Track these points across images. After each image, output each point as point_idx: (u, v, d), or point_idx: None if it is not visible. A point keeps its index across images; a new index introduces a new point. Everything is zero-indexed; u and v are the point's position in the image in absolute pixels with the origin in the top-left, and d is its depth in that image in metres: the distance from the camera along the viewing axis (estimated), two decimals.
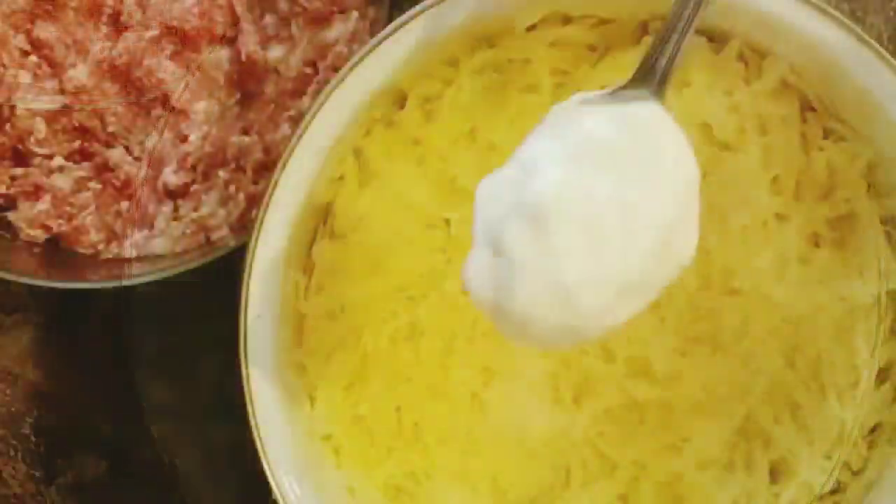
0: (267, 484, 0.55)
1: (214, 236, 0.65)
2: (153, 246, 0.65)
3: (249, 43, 0.65)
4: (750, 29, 0.55)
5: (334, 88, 0.54)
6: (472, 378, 0.58)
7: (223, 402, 0.64)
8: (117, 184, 0.66)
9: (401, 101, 0.58)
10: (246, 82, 0.67)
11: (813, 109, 0.57)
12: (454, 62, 0.57)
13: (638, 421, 0.58)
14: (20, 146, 0.66)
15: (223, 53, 0.67)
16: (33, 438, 0.69)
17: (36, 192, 0.66)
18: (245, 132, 0.66)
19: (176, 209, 0.66)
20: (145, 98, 0.66)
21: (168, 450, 0.68)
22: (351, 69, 0.54)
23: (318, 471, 0.57)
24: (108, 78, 0.66)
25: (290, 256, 0.56)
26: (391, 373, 0.58)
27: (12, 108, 0.66)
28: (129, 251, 0.66)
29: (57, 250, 0.66)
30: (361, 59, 0.54)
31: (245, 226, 0.64)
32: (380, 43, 0.54)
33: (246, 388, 0.54)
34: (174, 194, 0.66)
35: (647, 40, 0.57)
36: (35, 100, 0.66)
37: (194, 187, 0.66)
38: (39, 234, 0.66)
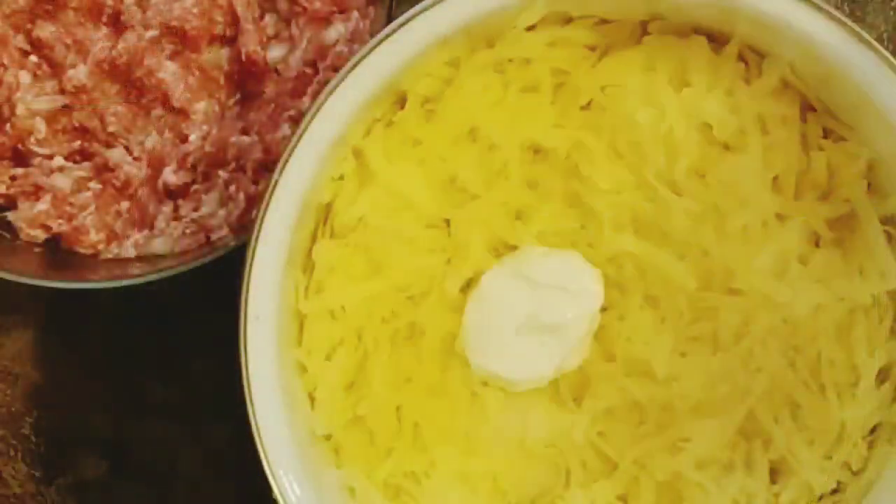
0: (267, 484, 0.55)
1: (214, 236, 0.65)
2: (153, 246, 0.65)
3: (249, 43, 0.65)
4: (750, 29, 0.55)
5: (334, 88, 0.54)
6: (471, 378, 0.58)
7: (223, 402, 0.64)
8: (117, 184, 0.66)
9: (401, 101, 0.58)
10: (246, 82, 0.67)
11: (813, 109, 0.57)
12: (454, 62, 0.57)
13: (638, 421, 0.58)
14: (20, 146, 0.66)
15: (223, 53, 0.67)
16: (33, 438, 0.69)
17: (36, 192, 0.66)
18: (245, 132, 0.66)
19: (176, 209, 0.66)
20: (145, 98, 0.66)
21: (168, 450, 0.68)
22: (351, 69, 0.54)
23: (318, 471, 0.57)
24: (108, 78, 0.66)
25: (290, 256, 0.56)
26: (391, 373, 0.58)
27: (12, 108, 0.66)
28: (128, 251, 0.66)
29: (57, 250, 0.66)
30: (361, 59, 0.54)
31: (245, 226, 0.64)
32: (380, 43, 0.54)
33: (246, 388, 0.54)
34: (174, 194, 0.66)
35: (648, 40, 0.57)
36: (35, 100, 0.66)
37: (194, 187, 0.66)
38: (39, 234, 0.66)
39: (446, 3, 0.54)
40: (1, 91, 0.66)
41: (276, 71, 0.66)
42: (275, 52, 0.66)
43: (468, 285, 0.58)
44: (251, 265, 0.54)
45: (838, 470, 0.57)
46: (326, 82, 0.55)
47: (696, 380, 0.57)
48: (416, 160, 0.58)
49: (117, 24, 0.66)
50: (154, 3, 0.65)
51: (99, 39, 0.66)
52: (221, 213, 0.65)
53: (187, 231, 0.65)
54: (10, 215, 0.66)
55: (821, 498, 0.57)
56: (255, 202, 0.64)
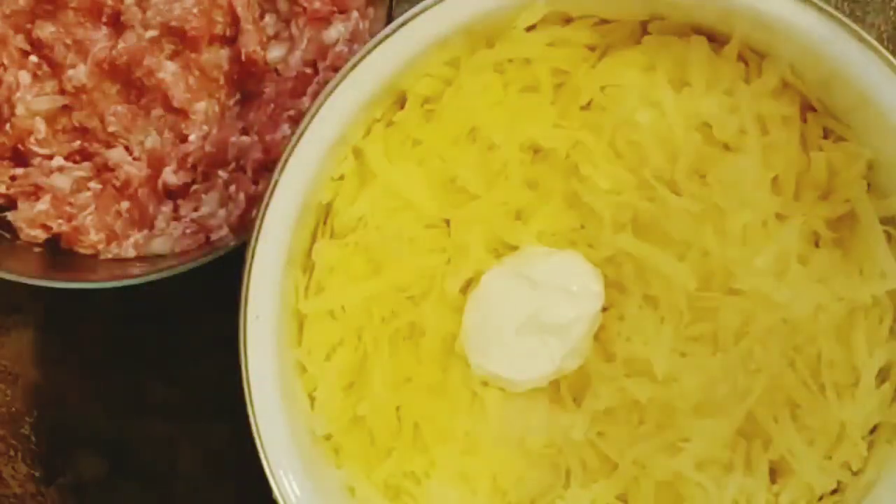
0: (267, 484, 0.55)
1: (214, 236, 0.65)
2: (153, 246, 0.65)
3: (249, 43, 0.65)
4: (750, 29, 0.55)
5: (334, 88, 0.54)
6: (471, 378, 0.58)
7: (223, 402, 0.64)
8: (117, 184, 0.66)
9: (401, 101, 0.58)
10: (246, 82, 0.67)
11: (813, 109, 0.57)
12: (454, 62, 0.57)
13: (638, 421, 0.58)
14: (20, 146, 0.66)
15: (223, 53, 0.67)
16: (33, 438, 0.69)
17: (36, 192, 0.66)
18: (245, 132, 0.66)
19: (176, 209, 0.66)
20: (145, 98, 0.66)
21: (168, 450, 0.68)
22: (351, 69, 0.54)
23: (318, 471, 0.57)
24: (108, 78, 0.66)
25: (290, 256, 0.56)
26: (391, 373, 0.58)
27: (12, 108, 0.66)
28: (128, 251, 0.66)
29: (57, 250, 0.66)
30: (361, 59, 0.54)
31: (245, 226, 0.64)
32: (380, 43, 0.54)
33: (246, 388, 0.54)
34: (174, 194, 0.66)
35: (647, 40, 0.57)
36: (35, 100, 0.66)
37: (194, 187, 0.66)
38: (39, 234, 0.66)
39: (446, 3, 0.54)
40: (1, 91, 0.66)
41: (276, 71, 0.66)
42: (275, 52, 0.66)
43: (468, 285, 0.58)
44: (251, 265, 0.54)
45: (838, 470, 0.57)
46: (326, 82, 0.55)
47: (695, 380, 0.57)
48: (416, 160, 0.58)
49: (117, 24, 0.66)
50: (154, 3, 0.65)
51: (99, 39, 0.66)
52: (221, 213, 0.65)
53: (187, 231, 0.65)
54: (10, 215, 0.66)
55: (821, 498, 0.57)
56: (255, 202, 0.64)
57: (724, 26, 0.56)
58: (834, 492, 0.57)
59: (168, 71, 0.65)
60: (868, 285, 0.56)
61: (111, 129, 0.66)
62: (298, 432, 0.56)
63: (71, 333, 0.69)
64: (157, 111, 0.66)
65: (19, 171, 0.67)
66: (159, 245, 0.65)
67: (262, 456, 0.54)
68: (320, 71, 0.66)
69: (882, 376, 0.57)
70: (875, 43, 0.53)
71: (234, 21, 0.66)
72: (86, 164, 0.67)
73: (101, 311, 0.69)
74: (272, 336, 0.55)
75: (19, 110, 0.66)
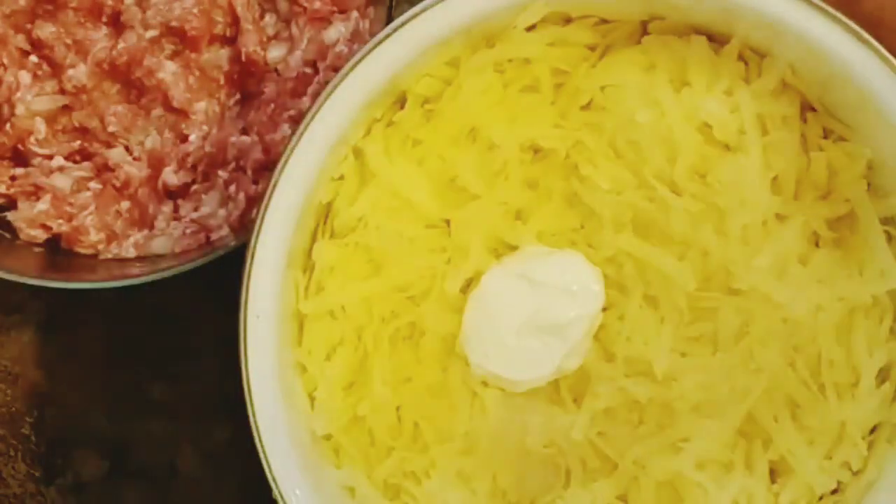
0: (267, 484, 0.55)
1: (214, 236, 0.65)
2: (153, 246, 0.65)
3: (249, 43, 0.65)
4: (750, 29, 0.55)
5: (334, 88, 0.54)
6: (471, 378, 0.58)
7: (223, 402, 0.64)
8: (117, 184, 0.66)
9: (401, 101, 0.58)
10: (246, 82, 0.67)
11: (813, 109, 0.57)
12: (454, 62, 0.57)
13: (638, 421, 0.58)
14: (20, 146, 0.67)
15: (223, 53, 0.67)
16: (33, 438, 0.69)
17: (36, 192, 0.66)
18: (245, 132, 0.66)
19: (176, 209, 0.66)
20: (145, 98, 0.66)
21: (168, 450, 0.68)
22: (351, 69, 0.54)
23: (318, 471, 0.57)
24: (108, 78, 0.66)
25: (290, 256, 0.56)
26: (391, 373, 0.58)
27: (12, 108, 0.66)
28: (128, 251, 0.66)
29: (57, 250, 0.66)
30: (361, 59, 0.54)
31: (245, 226, 0.64)
32: (380, 43, 0.54)
33: (246, 388, 0.54)
34: (174, 194, 0.66)
35: (647, 40, 0.57)
36: (35, 100, 0.66)
37: (194, 187, 0.66)
38: (39, 234, 0.66)
39: (446, 3, 0.54)
40: (1, 91, 0.66)
41: (276, 71, 0.66)
42: (275, 52, 0.66)
43: (468, 285, 0.58)
44: (251, 265, 0.54)
45: (838, 470, 0.57)
46: (326, 82, 0.55)
47: (695, 380, 0.57)
48: (416, 160, 0.58)
49: (117, 24, 0.66)
50: (154, 3, 0.65)
51: (99, 39, 0.66)
52: (221, 213, 0.65)
53: (187, 231, 0.65)
54: (10, 215, 0.66)
55: (821, 498, 0.57)
56: (255, 202, 0.64)
57: (724, 26, 0.56)
58: (834, 492, 0.57)
59: (168, 71, 0.65)
60: (868, 285, 0.56)
61: (111, 129, 0.66)
62: (298, 432, 0.56)
63: (71, 333, 0.69)
64: (157, 111, 0.66)
65: (19, 171, 0.67)
66: (159, 245, 0.65)
67: (262, 456, 0.54)
68: (320, 71, 0.66)
69: (882, 376, 0.57)
70: (875, 43, 0.53)
71: (234, 21, 0.66)
72: (86, 164, 0.67)
73: (101, 311, 0.69)
74: (272, 336, 0.55)
75: (19, 110, 0.66)
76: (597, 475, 0.58)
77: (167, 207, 0.66)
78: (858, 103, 0.54)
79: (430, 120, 0.58)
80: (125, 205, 0.66)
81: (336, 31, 0.66)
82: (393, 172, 0.57)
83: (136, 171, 0.66)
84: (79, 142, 0.67)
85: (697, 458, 0.56)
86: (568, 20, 0.58)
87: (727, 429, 0.56)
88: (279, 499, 0.54)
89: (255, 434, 0.54)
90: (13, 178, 0.66)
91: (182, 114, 0.66)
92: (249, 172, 0.65)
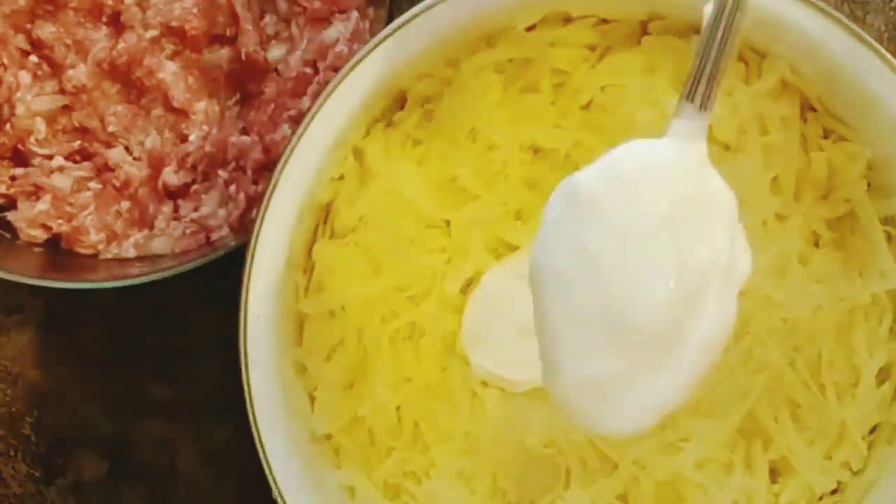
0: (267, 484, 0.55)
1: (214, 236, 0.65)
2: (153, 246, 0.65)
3: (249, 43, 0.65)
4: (750, 29, 0.55)
5: (334, 88, 0.54)
6: (471, 378, 0.58)
7: (223, 402, 0.64)
8: (117, 184, 0.66)
9: (401, 101, 0.58)
10: (246, 82, 0.67)
11: (813, 109, 0.57)
12: (454, 62, 0.57)
13: None
14: (20, 146, 0.66)
15: (223, 53, 0.67)
16: (33, 438, 0.69)
17: (36, 192, 0.66)
18: (245, 132, 0.66)
19: (176, 209, 0.66)
20: (145, 98, 0.66)
21: (168, 450, 0.68)
22: (351, 69, 0.54)
23: (318, 471, 0.57)
24: (108, 78, 0.66)
25: (290, 256, 0.56)
26: (391, 373, 0.58)
27: (12, 108, 0.66)
28: (128, 251, 0.66)
29: (57, 250, 0.66)
30: (361, 59, 0.54)
31: (245, 226, 0.64)
32: (380, 43, 0.54)
33: (246, 388, 0.54)
34: (174, 194, 0.66)
35: (647, 40, 0.57)
36: (35, 100, 0.66)
37: (194, 187, 0.66)
38: (39, 234, 0.66)
39: (446, 3, 0.54)
40: (1, 91, 0.66)
41: (276, 71, 0.66)
42: (275, 52, 0.66)
43: (468, 285, 0.58)
44: (251, 265, 0.54)
45: (838, 470, 0.57)
46: (326, 82, 0.55)
47: None
48: (416, 160, 0.58)
49: (117, 24, 0.66)
50: (154, 3, 0.65)
51: (99, 39, 0.66)
52: (221, 213, 0.65)
53: (187, 231, 0.65)
54: (10, 215, 0.66)
55: (821, 498, 0.57)
56: (255, 202, 0.64)
57: None
58: (834, 492, 0.57)
59: (168, 71, 0.65)
60: (868, 285, 0.56)
61: (111, 129, 0.66)
62: (298, 432, 0.56)
63: (71, 333, 0.69)
64: (157, 111, 0.66)
65: (19, 171, 0.67)
66: (159, 245, 0.65)
67: (261, 456, 0.54)
68: (320, 71, 0.65)
69: (882, 376, 0.57)
70: (875, 43, 0.53)
71: (234, 21, 0.66)
72: (86, 164, 0.67)
73: (101, 311, 0.69)
74: (272, 336, 0.55)
75: (19, 110, 0.66)
76: (597, 475, 0.58)
77: (167, 207, 0.66)
78: (858, 103, 0.54)
79: (430, 120, 0.58)
80: (125, 205, 0.66)
81: (336, 31, 0.66)
82: (393, 172, 0.57)
83: (136, 171, 0.66)
84: (79, 142, 0.67)
85: (697, 457, 0.56)
86: (568, 20, 0.58)
87: (727, 429, 0.56)
88: (279, 499, 0.54)
89: (255, 434, 0.54)
90: (13, 178, 0.66)
91: (182, 114, 0.66)
92: (249, 172, 0.65)
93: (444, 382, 0.58)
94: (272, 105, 0.65)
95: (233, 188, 0.65)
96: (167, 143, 0.66)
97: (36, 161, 0.67)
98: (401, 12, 0.55)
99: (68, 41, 0.66)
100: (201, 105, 0.66)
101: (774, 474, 0.57)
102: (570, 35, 0.57)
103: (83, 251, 0.66)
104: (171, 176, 0.65)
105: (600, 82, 0.57)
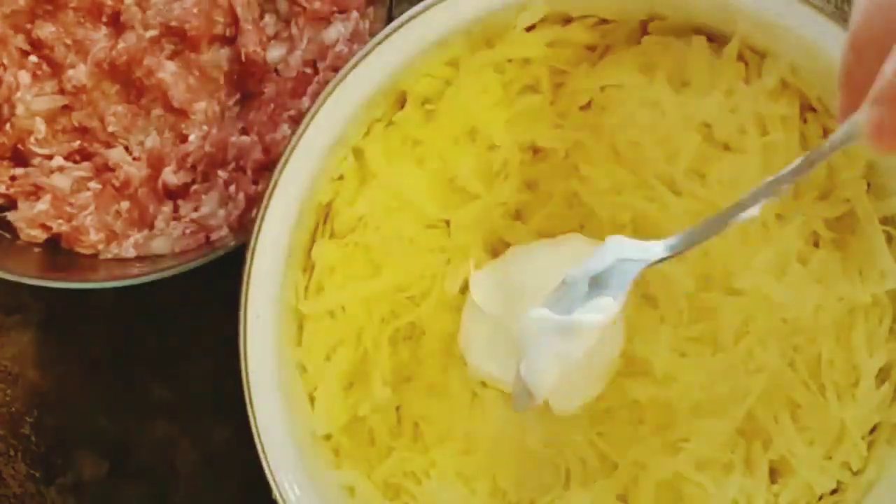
0: (267, 484, 0.55)
1: (214, 236, 0.65)
2: (153, 246, 0.65)
3: (249, 43, 0.65)
4: (750, 29, 0.55)
5: (334, 88, 0.54)
6: (471, 378, 0.58)
7: (223, 402, 0.64)
8: (117, 184, 0.66)
9: (401, 101, 0.58)
10: (246, 82, 0.67)
11: (813, 109, 0.57)
12: (454, 62, 0.57)
13: (638, 421, 0.58)
14: (20, 146, 0.66)
15: (223, 53, 0.67)
16: (33, 438, 0.69)
17: (36, 192, 0.66)
18: (245, 132, 0.66)
19: (176, 209, 0.66)
20: (145, 98, 0.66)
21: (168, 450, 0.68)
22: (351, 69, 0.54)
23: (318, 471, 0.57)
24: (108, 78, 0.66)
25: (290, 256, 0.56)
26: (391, 373, 0.58)
27: (12, 108, 0.66)
28: (128, 251, 0.66)
29: (57, 250, 0.66)
30: (361, 59, 0.54)
31: (245, 226, 0.64)
32: (380, 43, 0.54)
33: (246, 388, 0.54)
34: (174, 194, 0.66)
35: (647, 40, 0.57)
36: (35, 100, 0.66)
37: (194, 187, 0.66)
38: (39, 234, 0.66)
39: (446, 3, 0.54)
40: (1, 91, 0.66)
41: (276, 71, 0.66)
42: (275, 52, 0.66)
43: (468, 285, 0.58)
44: (251, 265, 0.54)
45: (838, 470, 0.57)
46: (326, 82, 0.55)
47: (695, 380, 0.57)
48: (416, 160, 0.58)
49: (117, 24, 0.66)
50: (154, 3, 0.65)
51: (99, 39, 0.66)
52: (221, 213, 0.65)
53: (187, 231, 0.65)
54: (10, 215, 0.66)
55: (821, 498, 0.57)
56: (255, 202, 0.64)
57: (724, 26, 0.56)
58: (834, 492, 0.57)
59: (168, 71, 0.65)
60: (868, 285, 0.56)
61: (111, 129, 0.66)
62: (298, 432, 0.56)
63: (71, 333, 0.69)
64: (157, 111, 0.66)
65: (19, 171, 0.67)
66: (159, 245, 0.65)
67: (262, 456, 0.54)
68: (320, 71, 0.66)
69: (882, 376, 0.57)
70: None
71: (234, 21, 0.66)
72: (86, 164, 0.67)
73: (101, 311, 0.69)
74: (272, 336, 0.55)
75: (19, 110, 0.66)
76: (597, 475, 0.58)
77: (167, 207, 0.66)
78: None
79: (430, 120, 0.58)
80: (125, 205, 0.66)
81: (336, 31, 0.66)
82: (393, 172, 0.57)
83: (135, 171, 0.66)
84: (79, 142, 0.67)
85: (697, 458, 0.56)
86: (568, 20, 0.58)
87: (727, 429, 0.57)
88: (279, 499, 0.54)
89: (255, 434, 0.54)
90: (13, 178, 0.66)
91: (182, 114, 0.66)
92: (249, 172, 0.65)
93: (444, 382, 0.58)
94: (272, 105, 0.65)
95: (233, 188, 0.65)
96: (167, 143, 0.66)
97: (36, 161, 0.67)
98: (401, 12, 0.55)
99: (68, 41, 0.66)
100: (201, 105, 0.66)
101: (774, 474, 0.57)
102: (570, 35, 0.57)
103: (83, 251, 0.66)
104: (170, 176, 0.65)
105: (600, 82, 0.57)
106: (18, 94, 0.66)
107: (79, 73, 0.66)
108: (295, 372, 0.57)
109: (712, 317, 0.57)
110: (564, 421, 0.58)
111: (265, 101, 0.66)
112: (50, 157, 0.66)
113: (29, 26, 0.66)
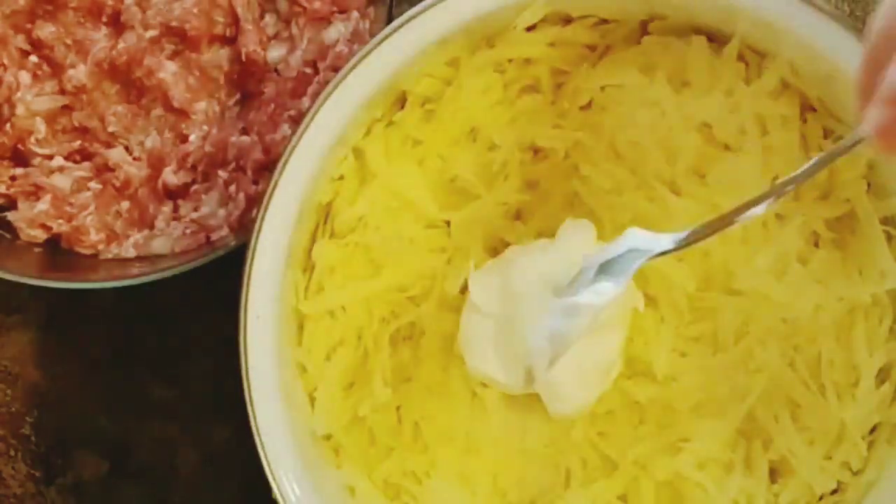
0: (267, 484, 0.55)
1: (214, 236, 0.65)
2: (153, 246, 0.65)
3: (249, 43, 0.65)
4: (750, 29, 0.55)
5: (334, 88, 0.54)
6: (472, 378, 0.58)
7: (223, 402, 0.64)
8: (117, 184, 0.66)
9: (401, 101, 0.58)
10: (246, 82, 0.67)
11: (813, 109, 0.57)
12: (454, 62, 0.57)
13: (638, 421, 0.58)
14: (20, 146, 0.66)
15: (223, 53, 0.67)
16: (33, 438, 0.69)
17: (36, 192, 0.66)
18: (245, 132, 0.66)
19: (176, 209, 0.66)
20: (145, 98, 0.66)
21: (168, 450, 0.68)
22: (351, 69, 0.54)
23: (318, 471, 0.57)
24: (108, 78, 0.66)
25: (290, 256, 0.56)
26: (391, 373, 0.58)
27: (12, 108, 0.66)
28: (128, 251, 0.66)
29: (57, 250, 0.66)
30: (361, 59, 0.54)
31: (245, 226, 0.64)
32: (380, 43, 0.54)
33: (246, 389, 0.54)
34: (174, 194, 0.66)
35: (647, 40, 0.57)
36: (35, 100, 0.66)
37: (194, 187, 0.66)
38: (39, 235, 0.66)
39: (446, 3, 0.54)
40: (1, 91, 0.66)
41: (276, 71, 0.66)
42: (275, 52, 0.66)
43: (468, 285, 0.58)
44: (251, 265, 0.54)
45: (838, 470, 0.57)
46: (326, 82, 0.55)
47: (695, 380, 0.57)
48: (416, 160, 0.58)
49: (117, 24, 0.66)
50: (154, 3, 0.65)
51: (99, 39, 0.66)
52: (221, 213, 0.65)
53: (187, 231, 0.65)
54: (10, 215, 0.66)
55: (821, 498, 0.57)
56: (255, 202, 0.64)
57: (724, 26, 0.56)
58: (834, 492, 0.57)
59: (168, 71, 0.65)
60: (868, 285, 0.56)
61: (111, 129, 0.66)
62: (298, 432, 0.56)
63: (71, 333, 0.69)
64: (157, 111, 0.66)
65: (19, 171, 0.67)
66: (159, 245, 0.65)
67: (262, 456, 0.54)
68: (320, 71, 0.65)
69: (882, 376, 0.57)
70: None
71: (234, 21, 0.66)
72: (86, 164, 0.67)
73: (101, 311, 0.69)
74: (272, 336, 0.55)
75: (19, 110, 0.66)
76: (597, 475, 0.58)
77: (167, 207, 0.66)
78: None
79: (430, 120, 0.58)
80: (125, 205, 0.66)
81: (336, 31, 0.66)
82: (393, 172, 0.57)
83: (136, 171, 0.66)
84: (79, 142, 0.67)
85: (697, 458, 0.56)
86: (568, 20, 0.58)
87: (727, 429, 0.57)
88: (279, 499, 0.54)
89: (255, 434, 0.54)
90: (13, 178, 0.66)
91: (182, 114, 0.66)
92: (249, 172, 0.65)
93: (444, 382, 0.58)
94: (272, 105, 0.65)
95: (233, 188, 0.65)
96: (167, 143, 0.66)
97: (36, 161, 0.67)
98: (401, 12, 0.55)
99: (68, 41, 0.66)
100: (201, 105, 0.66)
101: (774, 474, 0.57)
102: (570, 35, 0.57)
103: (83, 251, 0.66)
104: (171, 176, 0.65)
105: (600, 82, 0.57)
106: (18, 94, 0.66)
107: (79, 73, 0.66)
108: (295, 372, 0.57)
109: (712, 317, 0.57)
110: (565, 421, 0.58)
111: (265, 101, 0.66)
112: (50, 157, 0.66)
113: (29, 26, 0.66)
